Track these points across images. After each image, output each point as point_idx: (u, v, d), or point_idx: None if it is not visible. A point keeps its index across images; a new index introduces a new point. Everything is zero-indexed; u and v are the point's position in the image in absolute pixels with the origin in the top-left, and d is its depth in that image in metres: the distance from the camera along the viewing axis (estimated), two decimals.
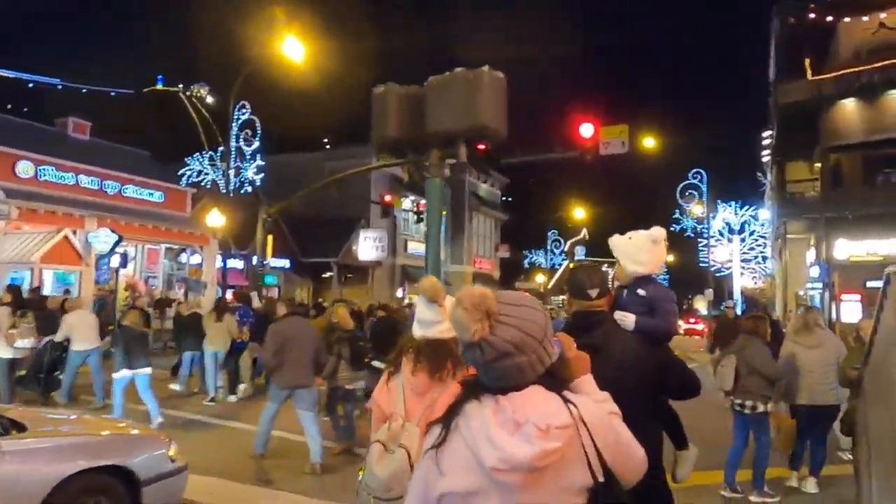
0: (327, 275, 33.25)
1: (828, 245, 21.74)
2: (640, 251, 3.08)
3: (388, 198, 24.74)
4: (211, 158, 19.06)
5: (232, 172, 18.88)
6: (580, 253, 61.42)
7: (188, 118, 19.58)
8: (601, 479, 1.49)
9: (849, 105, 21.12)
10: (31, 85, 23.14)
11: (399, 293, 38.06)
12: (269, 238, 19.09)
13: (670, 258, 65.63)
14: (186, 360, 11.18)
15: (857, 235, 21.05)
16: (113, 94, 21.54)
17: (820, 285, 22.67)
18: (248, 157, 18.89)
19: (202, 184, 19.63)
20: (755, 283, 39.96)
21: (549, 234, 51.64)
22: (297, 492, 5.94)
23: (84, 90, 21.66)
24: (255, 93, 25.55)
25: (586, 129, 15.51)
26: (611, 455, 1.53)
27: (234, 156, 18.94)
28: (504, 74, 3.41)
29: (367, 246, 33.18)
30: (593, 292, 2.68)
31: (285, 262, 31.24)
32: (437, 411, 1.82)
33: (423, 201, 33.26)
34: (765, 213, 35.61)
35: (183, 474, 4.37)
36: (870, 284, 20.92)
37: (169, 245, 24.31)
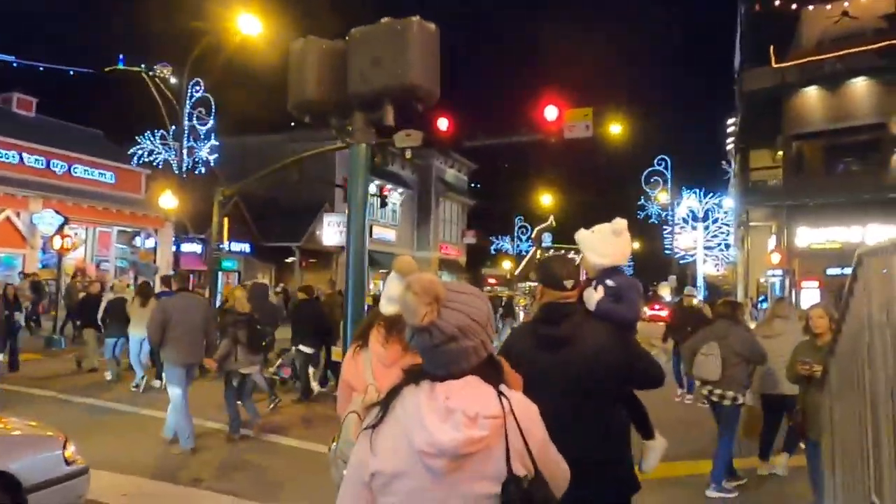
0: (290, 260, 32.55)
1: (789, 232, 21.88)
2: (604, 243, 3.18)
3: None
4: (163, 137, 18.21)
5: (185, 152, 18.07)
6: (547, 240, 61.50)
7: (141, 96, 18.73)
8: (527, 472, 1.50)
9: (812, 93, 21.18)
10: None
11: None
12: (226, 221, 18.38)
13: (636, 245, 66.20)
14: (109, 346, 10.73)
15: (818, 223, 21.20)
16: (71, 73, 20.50)
17: (780, 272, 22.86)
18: (202, 136, 18.12)
19: (153, 164, 18.77)
20: (717, 270, 40.40)
21: (516, 220, 51.49)
22: (226, 491, 5.44)
23: (41, 68, 20.59)
24: (216, 73, 24.75)
25: (551, 112, 15.18)
26: (540, 454, 1.55)
27: (187, 135, 18.13)
28: (437, 28, 2.97)
29: (331, 231, 32.49)
30: (568, 283, 2.72)
31: (245, 247, 30.46)
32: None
33: (388, 185, 32.72)
34: (729, 202, 35.89)
35: (83, 477, 3.91)
36: (829, 272, 21.15)
37: (122, 228, 23.41)
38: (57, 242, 15.07)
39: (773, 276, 24.96)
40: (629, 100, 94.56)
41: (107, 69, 21.48)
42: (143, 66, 20.22)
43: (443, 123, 16.29)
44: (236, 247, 30.08)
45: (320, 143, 29.93)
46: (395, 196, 40.10)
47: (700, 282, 36.15)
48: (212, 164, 18.30)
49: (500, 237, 52.82)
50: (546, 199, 50.78)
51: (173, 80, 20.28)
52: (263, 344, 7.62)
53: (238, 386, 7.20)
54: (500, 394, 1.54)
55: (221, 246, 18.53)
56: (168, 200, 17.33)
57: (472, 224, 47.63)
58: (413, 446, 1.49)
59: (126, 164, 23.44)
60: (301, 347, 9.47)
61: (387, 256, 40.15)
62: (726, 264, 39.92)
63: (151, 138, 18.24)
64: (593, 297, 2.86)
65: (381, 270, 39.77)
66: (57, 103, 23.11)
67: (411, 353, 2.52)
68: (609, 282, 3.00)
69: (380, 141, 17.61)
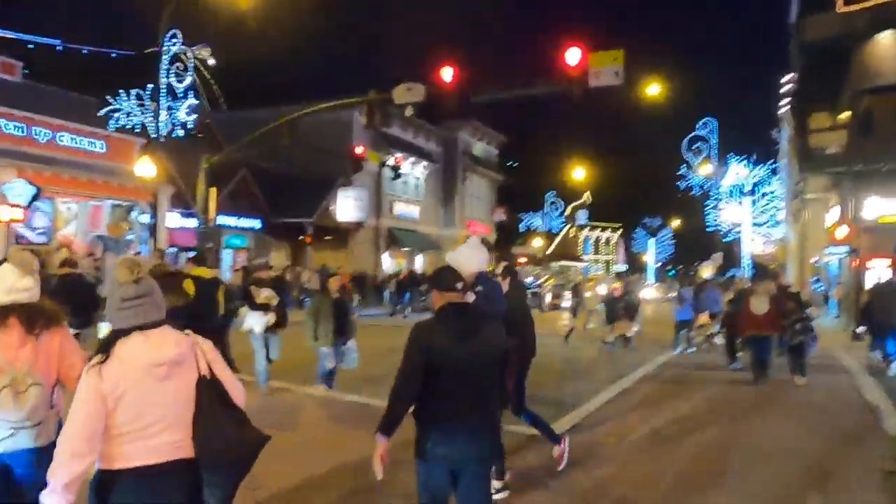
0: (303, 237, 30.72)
1: (855, 204, 19.04)
2: (469, 258, 4.31)
3: (359, 150, 22.07)
4: (139, 97, 16.39)
5: (164, 113, 16.25)
6: (582, 217, 58.72)
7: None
8: (210, 378, 2.51)
9: (886, 39, 18.18)
10: (31, 46, 20.98)
11: (384, 259, 35.59)
12: (214, 192, 16.56)
13: (676, 223, 62.88)
14: None
15: (891, 192, 18.32)
16: (114, 55, 19.02)
17: (843, 250, 20.02)
18: (180, 95, 16.24)
19: (128, 127, 17.02)
20: (765, 248, 37.42)
21: (547, 195, 48.82)
22: None
23: (85, 51, 19.21)
24: (222, 44, 23.19)
25: (572, 56, 12.84)
26: (221, 374, 2.57)
27: (164, 93, 16.27)
28: None
29: (347, 206, 30.63)
30: (460, 285, 3.42)
31: (255, 223, 28.79)
32: (74, 360, 3.18)
33: (399, 155, 30.52)
34: (776, 181, 32.75)
35: None
36: None
37: (116, 202, 21.82)
38: (5, 214, 13.35)
39: (834, 253, 22.09)
40: (666, 51, 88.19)
41: (147, 51, 20.01)
42: (183, 47, 18.76)
43: (447, 73, 14.00)
44: (245, 223, 28.47)
45: (335, 114, 27.93)
46: (420, 170, 37.98)
47: (746, 261, 33.24)
48: (190, 127, 16.44)
49: (530, 213, 50.25)
50: (579, 174, 47.91)
51: (212, 62, 18.79)
52: None
53: None
54: (186, 333, 2.57)
55: (209, 222, 16.77)
56: (145, 168, 15.52)
57: (502, 200, 45.22)
58: (143, 365, 2.37)
59: (120, 134, 21.70)
60: None
61: (410, 234, 38.13)
62: (775, 242, 36.86)
63: (127, 99, 16.36)
64: (469, 298, 3.72)
65: (403, 248, 37.83)
66: (48, 69, 21.50)
67: (33, 336, 3.15)
68: (478, 287, 4.24)
69: (378, 97, 15.29)
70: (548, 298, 27.46)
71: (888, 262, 17.97)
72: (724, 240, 33.36)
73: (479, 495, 3.30)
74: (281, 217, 29.05)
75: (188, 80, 16.29)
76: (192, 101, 16.28)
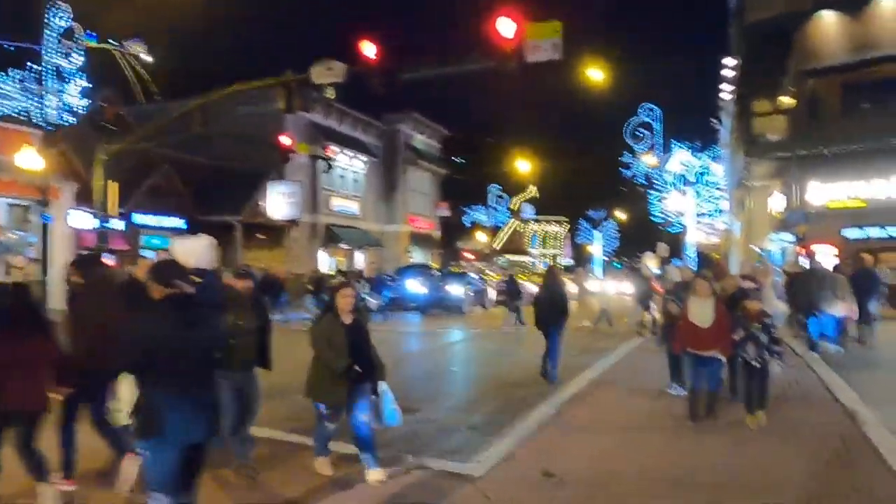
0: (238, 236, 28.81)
1: (800, 189, 18.55)
2: (191, 254, 4.70)
3: (285, 140, 20.38)
4: (21, 80, 14.42)
5: (53, 98, 14.34)
6: (529, 211, 58.07)
7: None
8: None
9: (828, 18, 17.71)
10: None
11: (322, 257, 33.89)
12: (115, 186, 14.74)
13: (623, 216, 62.90)
14: None
15: (834, 177, 17.89)
16: (41, 50, 17.00)
17: (789, 237, 19.56)
18: (69, 76, 14.36)
19: (6, 114, 15.00)
20: (709, 238, 37.31)
21: (490, 188, 47.79)
22: None
23: (31, 46, 17.20)
24: (154, 33, 21.48)
25: (506, 28, 11.66)
26: None
27: (52, 74, 14.36)
28: None
29: (278, 201, 28.79)
30: (178, 281, 3.55)
31: (179, 222, 26.73)
32: None
33: (331, 145, 28.82)
34: (718, 167, 32.49)
35: None
36: (847, 234, 17.92)
37: (12, 201, 19.62)
38: None
39: (779, 241, 21.69)
40: (607, 34, 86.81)
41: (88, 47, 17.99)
42: (117, 44, 16.88)
43: (369, 49, 12.61)
44: (168, 222, 26.45)
45: (265, 105, 26.03)
46: (359, 164, 36.45)
47: (691, 251, 32.95)
48: (81, 112, 14.57)
49: (473, 208, 49.21)
50: (524, 167, 47.01)
51: (147, 59, 17.08)
52: None
53: None
54: None
55: (107, 219, 14.92)
56: (30, 160, 13.61)
57: (445, 195, 44.02)
58: None
59: (12, 124, 19.46)
60: None
61: (349, 231, 36.51)
62: (719, 232, 36.80)
63: (5, 81, 14.33)
64: (187, 288, 3.74)
65: (342, 245, 36.21)
66: None
67: None
68: (196, 279, 4.00)
69: (294, 78, 13.65)
70: (492, 295, 26.29)
71: (835, 249, 17.53)
72: (668, 230, 32.95)
73: (200, 470, 3.56)
74: (207, 215, 27.10)
75: (80, 61, 14.38)
76: (82, 83, 14.39)
